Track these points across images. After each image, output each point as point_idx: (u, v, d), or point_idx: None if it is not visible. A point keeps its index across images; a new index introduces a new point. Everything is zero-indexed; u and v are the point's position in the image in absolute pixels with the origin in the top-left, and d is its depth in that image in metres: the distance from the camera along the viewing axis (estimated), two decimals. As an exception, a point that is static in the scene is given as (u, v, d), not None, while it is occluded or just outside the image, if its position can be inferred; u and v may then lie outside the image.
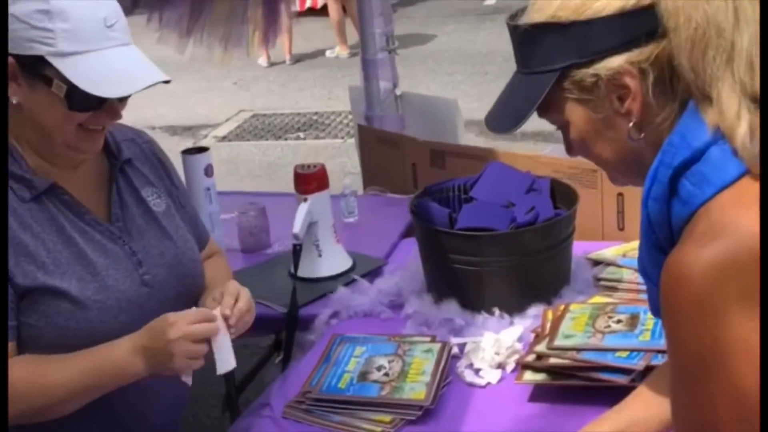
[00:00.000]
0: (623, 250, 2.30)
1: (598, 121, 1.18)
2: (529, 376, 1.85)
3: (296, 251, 2.35)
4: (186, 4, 3.33)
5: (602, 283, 2.19)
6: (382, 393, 1.83)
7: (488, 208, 2.18)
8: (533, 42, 1.18)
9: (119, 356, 1.58)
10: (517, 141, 5.35)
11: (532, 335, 1.99)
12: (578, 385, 1.78)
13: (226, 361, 1.62)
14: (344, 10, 8.59)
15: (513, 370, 1.91)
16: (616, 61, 1.12)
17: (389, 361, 1.93)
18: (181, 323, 1.57)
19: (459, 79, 7.58)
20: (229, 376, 2.34)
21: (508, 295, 2.09)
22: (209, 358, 1.61)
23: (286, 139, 6.74)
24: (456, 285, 2.11)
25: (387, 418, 1.78)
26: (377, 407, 1.80)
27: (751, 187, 1.04)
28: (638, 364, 1.73)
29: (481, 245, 2.07)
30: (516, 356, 1.93)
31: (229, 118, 7.28)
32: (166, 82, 1.59)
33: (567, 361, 1.81)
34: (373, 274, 2.39)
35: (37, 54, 1.53)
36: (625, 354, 1.77)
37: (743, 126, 1.05)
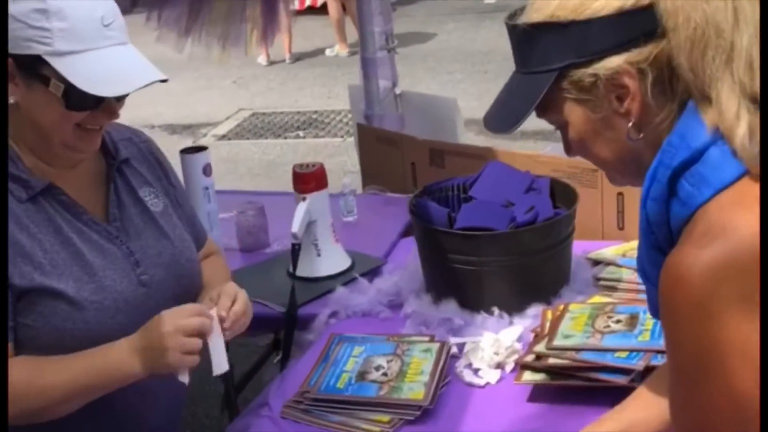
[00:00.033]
0: (623, 250, 2.29)
1: (597, 121, 1.17)
2: (528, 376, 1.84)
3: (295, 251, 2.34)
4: (185, 3, 3.33)
5: (602, 282, 2.18)
6: (380, 393, 1.83)
7: (487, 207, 2.18)
8: (532, 42, 1.17)
9: (116, 357, 1.58)
10: (517, 140, 5.35)
11: (532, 335, 1.99)
12: (577, 385, 1.78)
13: (219, 363, 1.61)
14: (344, 8, 8.60)
15: (512, 370, 1.91)
16: (614, 61, 1.12)
17: (388, 361, 1.93)
18: (173, 317, 1.58)
19: (459, 77, 7.58)
20: (227, 375, 2.34)
21: (508, 295, 2.09)
22: (205, 358, 1.61)
23: (285, 137, 6.74)
24: (455, 285, 2.11)
25: (385, 418, 1.77)
26: (376, 407, 1.80)
27: (750, 188, 1.03)
28: (637, 364, 1.72)
29: (481, 245, 2.07)
30: (515, 356, 1.93)
31: (229, 117, 7.28)
32: (164, 81, 1.58)
33: (566, 361, 1.80)
34: (372, 273, 2.39)
35: (35, 53, 1.53)
36: (624, 354, 1.77)
37: (742, 126, 1.04)
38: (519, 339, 1.98)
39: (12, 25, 1.53)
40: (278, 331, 2.39)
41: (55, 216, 1.63)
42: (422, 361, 1.91)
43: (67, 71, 1.52)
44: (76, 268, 1.62)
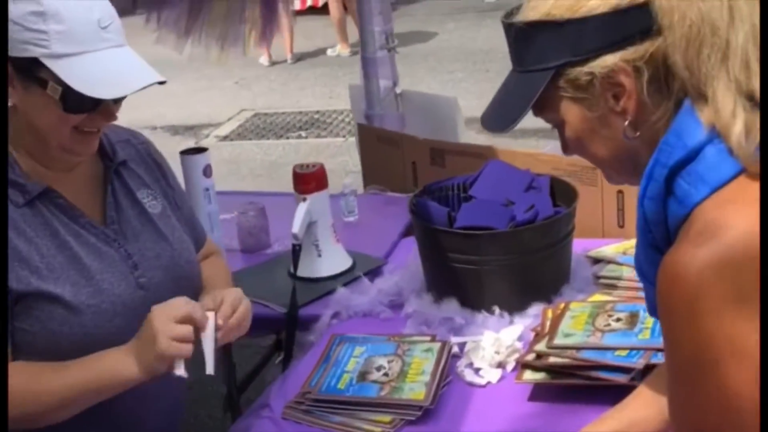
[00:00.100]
0: (623, 248, 2.29)
1: (594, 120, 1.17)
2: (529, 375, 1.84)
3: (295, 251, 2.34)
4: (184, 4, 3.32)
5: (602, 281, 2.18)
6: (381, 393, 1.82)
7: (487, 206, 2.17)
8: (528, 40, 1.17)
9: (112, 359, 1.57)
10: (518, 138, 5.34)
11: (532, 334, 1.98)
12: (578, 384, 1.78)
13: (209, 364, 1.60)
14: (345, 8, 8.60)
15: (513, 369, 1.91)
16: (610, 60, 1.12)
17: (389, 361, 1.92)
18: (162, 306, 1.57)
19: (460, 76, 7.58)
20: (230, 376, 2.34)
21: (508, 294, 2.09)
22: (200, 357, 1.60)
23: (287, 138, 6.74)
24: (456, 284, 2.11)
25: (386, 418, 1.77)
26: (377, 407, 1.80)
27: (746, 187, 1.03)
28: (638, 362, 1.72)
29: (481, 244, 2.07)
30: (516, 355, 1.92)
31: (231, 118, 7.28)
32: (162, 82, 1.58)
33: (567, 360, 1.80)
34: (372, 273, 2.39)
35: (32, 56, 1.53)
36: (624, 352, 1.76)
37: (738, 125, 1.04)
38: (520, 338, 1.98)
39: (9, 28, 1.52)
40: (279, 331, 2.39)
41: (52, 220, 1.63)
42: (423, 361, 1.91)
43: (65, 74, 1.52)
44: (73, 272, 1.61)
